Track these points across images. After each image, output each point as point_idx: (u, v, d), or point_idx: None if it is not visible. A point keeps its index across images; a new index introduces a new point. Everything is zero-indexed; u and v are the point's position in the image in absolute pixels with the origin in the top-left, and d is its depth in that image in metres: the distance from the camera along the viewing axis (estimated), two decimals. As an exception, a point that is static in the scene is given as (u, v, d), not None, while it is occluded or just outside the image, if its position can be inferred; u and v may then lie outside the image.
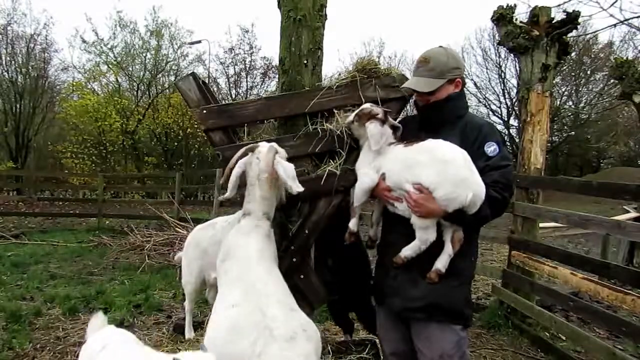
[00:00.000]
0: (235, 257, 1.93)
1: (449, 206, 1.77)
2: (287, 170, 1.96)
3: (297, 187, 1.93)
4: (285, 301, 1.79)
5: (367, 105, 2.08)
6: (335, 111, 2.21)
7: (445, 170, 1.77)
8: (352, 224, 2.13)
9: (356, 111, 2.08)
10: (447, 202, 1.76)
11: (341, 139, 2.18)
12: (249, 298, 1.73)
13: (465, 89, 2.24)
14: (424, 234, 1.85)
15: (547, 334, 3.93)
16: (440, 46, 2.03)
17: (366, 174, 2.02)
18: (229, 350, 1.64)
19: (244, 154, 2.06)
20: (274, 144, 2.06)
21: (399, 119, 2.28)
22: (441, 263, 1.88)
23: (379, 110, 2.04)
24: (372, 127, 2.00)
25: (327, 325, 3.79)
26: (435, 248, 1.88)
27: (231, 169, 2.04)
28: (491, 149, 1.89)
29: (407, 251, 1.89)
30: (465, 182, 1.74)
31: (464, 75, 2.24)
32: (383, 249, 2.17)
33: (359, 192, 2.03)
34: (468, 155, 1.80)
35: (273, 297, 1.75)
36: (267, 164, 1.99)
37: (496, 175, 1.85)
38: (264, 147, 2.04)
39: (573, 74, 20.40)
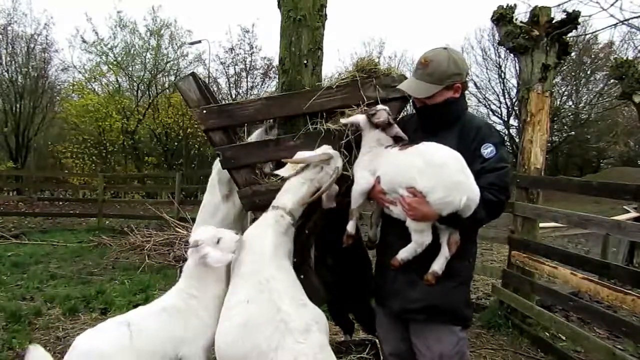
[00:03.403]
0: (251, 249, 1.96)
1: (443, 210, 1.76)
2: (329, 193, 2.09)
3: (329, 204, 2.10)
4: (297, 296, 1.81)
5: (383, 112, 2.04)
6: (347, 111, 2.22)
7: (438, 175, 1.75)
8: (350, 227, 2.12)
9: (379, 111, 2.06)
10: (441, 206, 1.75)
11: (341, 139, 2.18)
12: (263, 294, 1.75)
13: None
14: (420, 237, 1.85)
15: (547, 334, 3.93)
16: (445, 48, 1.98)
17: (362, 177, 2.02)
18: (244, 345, 1.66)
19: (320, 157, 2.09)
20: (340, 167, 2.09)
21: (398, 119, 2.29)
22: (438, 265, 1.87)
23: (385, 118, 2.02)
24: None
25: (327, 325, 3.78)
26: (434, 249, 1.88)
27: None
28: (488, 150, 1.87)
29: (404, 253, 1.89)
30: (459, 186, 1.73)
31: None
32: (382, 250, 2.17)
33: (355, 195, 2.04)
34: (462, 159, 1.78)
35: (286, 292, 1.77)
36: (323, 179, 2.06)
37: (492, 178, 1.84)
38: (334, 163, 2.08)
39: (573, 74, 20.36)
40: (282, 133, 2.41)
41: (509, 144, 17.99)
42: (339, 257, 2.48)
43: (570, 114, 21.34)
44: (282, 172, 2.15)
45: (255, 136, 2.65)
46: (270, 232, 1.96)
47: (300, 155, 2.11)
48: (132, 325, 1.86)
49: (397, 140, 2.05)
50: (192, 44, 18.99)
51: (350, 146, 2.19)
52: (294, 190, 2.07)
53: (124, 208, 13.74)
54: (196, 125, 15.92)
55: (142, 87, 18.98)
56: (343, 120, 2.13)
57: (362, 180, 2.01)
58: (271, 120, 2.61)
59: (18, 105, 17.50)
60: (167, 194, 13.09)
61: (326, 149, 2.12)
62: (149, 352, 1.83)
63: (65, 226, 10.20)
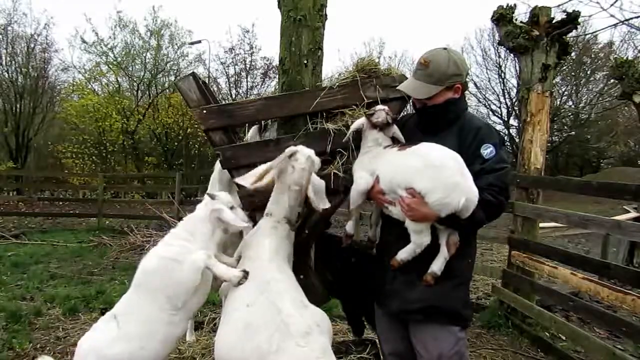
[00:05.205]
0: (249, 254, 1.95)
1: (441, 211, 1.75)
2: (316, 187, 2.00)
3: (321, 205, 1.98)
4: (298, 298, 1.80)
5: (382, 112, 2.03)
6: (346, 111, 2.21)
7: (437, 176, 1.75)
8: (349, 227, 2.12)
9: (378, 111, 2.05)
10: (440, 207, 1.75)
11: (341, 139, 2.18)
12: (263, 296, 1.74)
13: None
14: (419, 238, 1.84)
15: (547, 334, 3.93)
16: (445, 48, 1.98)
17: (361, 177, 2.01)
18: (244, 347, 1.65)
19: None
20: (312, 155, 2.00)
21: (398, 119, 2.29)
22: (437, 266, 1.87)
23: (384, 118, 2.02)
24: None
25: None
26: (433, 250, 1.87)
27: (264, 170, 2.02)
28: (487, 151, 1.87)
29: (403, 254, 1.89)
30: (458, 188, 1.72)
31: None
32: (381, 249, 2.17)
33: (354, 195, 2.03)
34: (461, 160, 1.78)
35: (286, 294, 1.76)
36: (300, 177, 1.97)
37: (491, 178, 1.83)
38: (302, 156, 1.98)
39: (573, 74, 20.35)
40: (282, 133, 2.41)
41: (509, 144, 17.98)
42: (357, 257, 2.47)
43: (570, 114, 21.34)
44: (240, 180, 2.05)
45: (248, 137, 2.65)
46: (268, 238, 1.95)
47: (261, 167, 2.03)
48: (119, 316, 1.92)
49: (395, 140, 2.05)
50: (192, 44, 19.03)
51: (350, 145, 2.19)
52: (278, 201, 2.01)
53: (124, 208, 13.73)
54: (196, 125, 15.93)
55: (142, 87, 19.00)
56: (350, 130, 2.09)
57: (361, 180, 2.01)
58: (269, 121, 2.61)
59: (18, 105, 17.53)
60: (167, 194, 13.07)
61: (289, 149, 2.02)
62: (141, 331, 1.87)
63: (65, 226, 10.20)
